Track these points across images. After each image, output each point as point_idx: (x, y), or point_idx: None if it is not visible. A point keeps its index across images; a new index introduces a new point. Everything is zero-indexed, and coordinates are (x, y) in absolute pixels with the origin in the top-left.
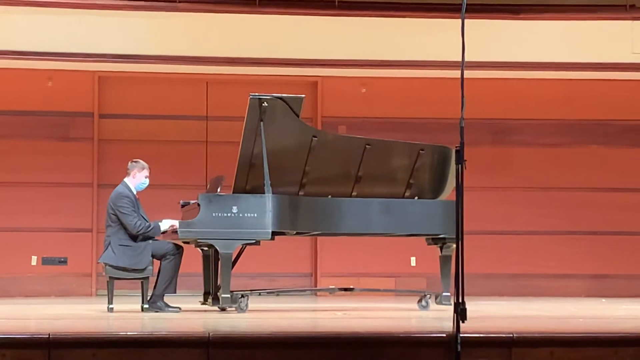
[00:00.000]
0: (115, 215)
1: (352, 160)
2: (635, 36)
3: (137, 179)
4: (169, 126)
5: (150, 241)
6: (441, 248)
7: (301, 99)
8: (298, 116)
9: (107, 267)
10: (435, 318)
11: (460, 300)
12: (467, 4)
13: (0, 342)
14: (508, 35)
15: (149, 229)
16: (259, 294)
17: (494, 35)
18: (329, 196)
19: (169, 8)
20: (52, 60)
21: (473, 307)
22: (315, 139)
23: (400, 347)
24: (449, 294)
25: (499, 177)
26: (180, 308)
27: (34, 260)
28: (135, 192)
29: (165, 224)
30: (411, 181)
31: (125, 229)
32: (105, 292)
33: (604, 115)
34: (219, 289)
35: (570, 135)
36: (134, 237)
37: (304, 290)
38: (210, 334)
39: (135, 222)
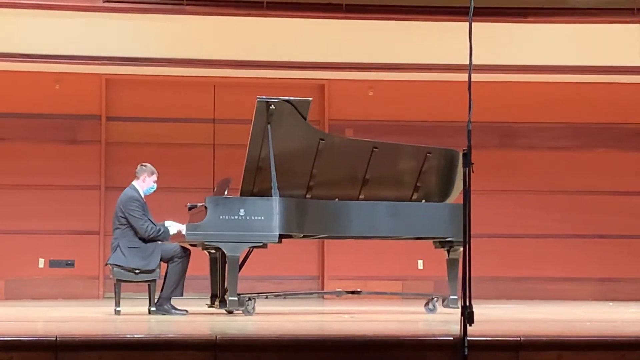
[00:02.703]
0: (125, 217)
1: (359, 163)
2: None
3: (147, 183)
4: (176, 129)
5: (159, 242)
6: (448, 251)
7: (308, 102)
8: (305, 119)
9: (115, 269)
10: (443, 321)
11: (467, 304)
12: (474, 8)
13: (7, 345)
14: (516, 38)
15: (159, 233)
16: (266, 297)
17: (501, 39)
18: (336, 199)
19: (177, 11)
20: (60, 63)
21: (480, 310)
22: (323, 142)
23: (407, 350)
24: (456, 297)
25: (506, 180)
26: (187, 311)
27: (41, 262)
28: (143, 196)
29: (173, 229)
30: (418, 184)
31: (135, 231)
32: (113, 294)
33: (611, 119)
34: (226, 291)
35: (577, 138)
36: (144, 239)
37: (311, 293)
38: (218, 337)
39: (147, 227)
